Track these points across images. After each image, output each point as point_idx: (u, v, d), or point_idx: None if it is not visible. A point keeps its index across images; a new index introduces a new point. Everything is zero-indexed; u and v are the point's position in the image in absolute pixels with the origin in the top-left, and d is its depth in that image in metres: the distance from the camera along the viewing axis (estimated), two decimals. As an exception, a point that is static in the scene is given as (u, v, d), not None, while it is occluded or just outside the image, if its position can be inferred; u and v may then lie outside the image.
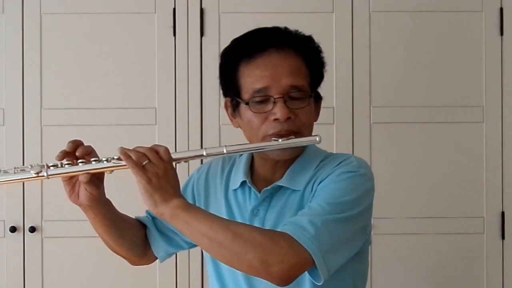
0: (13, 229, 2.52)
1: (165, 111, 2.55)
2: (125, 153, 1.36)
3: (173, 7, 2.55)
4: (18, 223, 2.54)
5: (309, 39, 1.55)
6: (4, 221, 2.54)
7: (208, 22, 2.55)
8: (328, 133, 2.50)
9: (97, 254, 2.35)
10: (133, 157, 1.35)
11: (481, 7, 2.56)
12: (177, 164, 1.48)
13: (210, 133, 2.54)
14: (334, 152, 1.69)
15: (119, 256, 1.68)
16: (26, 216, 2.54)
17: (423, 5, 2.56)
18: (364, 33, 2.55)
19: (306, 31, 1.56)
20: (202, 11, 2.55)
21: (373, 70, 2.55)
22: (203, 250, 1.40)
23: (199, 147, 2.49)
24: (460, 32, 2.57)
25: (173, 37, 2.55)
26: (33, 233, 2.53)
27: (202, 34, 2.55)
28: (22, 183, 2.27)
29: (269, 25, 1.56)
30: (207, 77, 2.52)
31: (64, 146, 1.43)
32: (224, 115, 1.61)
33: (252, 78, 1.48)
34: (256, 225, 1.50)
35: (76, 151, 1.42)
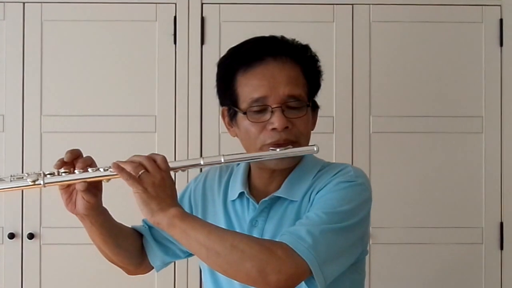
0: (11, 236, 2.52)
1: (165, 119, 2.55)
2: (118, 166, 1.35)
3: (174, 15, 2.56)
4: (17, 229, 2.54)
5: (306, 48, 1.55)
6: (2, 227, 2.54)
7: (209, 31, 2.56)
8: (327, 142, 2.50)
9: (95, 261, 2.32)
10: (128, 168, 1.35)
11: (481, 18, 2.56)
12: (176, 174, 1.48)
13: (209, 141, 2.54)
14: (333, 161, 1.69)
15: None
16: (25, 223, 2.54)
17: (423, 16, 2.56)
18: (364, 43, 2.56)
19: (306, 41, 1.56)
20: (202, 20, 2.56)
21: (373, 80, 2.55)
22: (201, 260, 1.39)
23: (198, 155, 2.49)
24: (460, 43, 2.57)
25: (174, 45, 2.56)
26: (32, 240, 2.53)
27: (202, 42, 2.56)
28: (20, 190, 2.29)
29: (270, 34, 1.57)
30: (207, 85, 2.52)
31: (63, 153, 1.42)
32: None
33: (250, 87, 1.47)
34: (255, 236, 1.49)
35: (76, 165, 1.41)
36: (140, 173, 1.34)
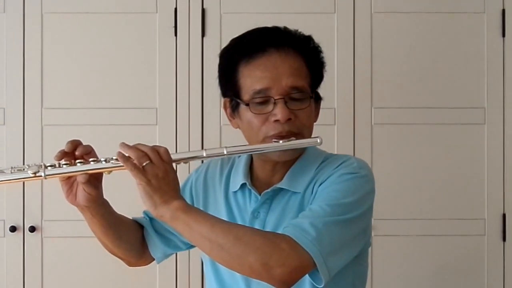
0: (13, 229, 2.52)
1: (166, 111, 2.54)
2: (123, 156, 1.34)
3: (175, 7, 2.54)
4: (18, 222, 2.53)
5: (309, 39, 1.54)
6: (4, 220, 2.53)
7: (210, 22, 2.55)
8: (329, 134, 2.49)
9: (97, 254, 2.32)
10: (133, 157, 1.34)
11: (483, 8, 2.55)
12: (177, 165, 1.47)
13: (211, 134, 2.53)
14: (335, 153, 1.68)
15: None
16: (26, 216, 2.54)
17: (425, 6, 2.55)
18: (365, 34, 2.54)
19: (307, 32, 1.55)
20: (203, 11, 2.55)
21: (374, 71, 2.54)
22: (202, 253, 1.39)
23: (199, 147, 2.48)
24: (462, 34, 2.56)
25: (174, 37, 2.54)
26: (33, 233, 2.53)
27: (203, 34, 2.55)
28: (22, 183, 2.28)
29: (270, 26, 1.55)
30: (208, 78, 2.51)
31: (64, 145, 1.42)
32: (225, 115, 1.60)
33: (252, 78, 1.46)
34: (256, 227, 1.49)
35: (76, 151, 1.41)
36: (144, 164, 1.33)
